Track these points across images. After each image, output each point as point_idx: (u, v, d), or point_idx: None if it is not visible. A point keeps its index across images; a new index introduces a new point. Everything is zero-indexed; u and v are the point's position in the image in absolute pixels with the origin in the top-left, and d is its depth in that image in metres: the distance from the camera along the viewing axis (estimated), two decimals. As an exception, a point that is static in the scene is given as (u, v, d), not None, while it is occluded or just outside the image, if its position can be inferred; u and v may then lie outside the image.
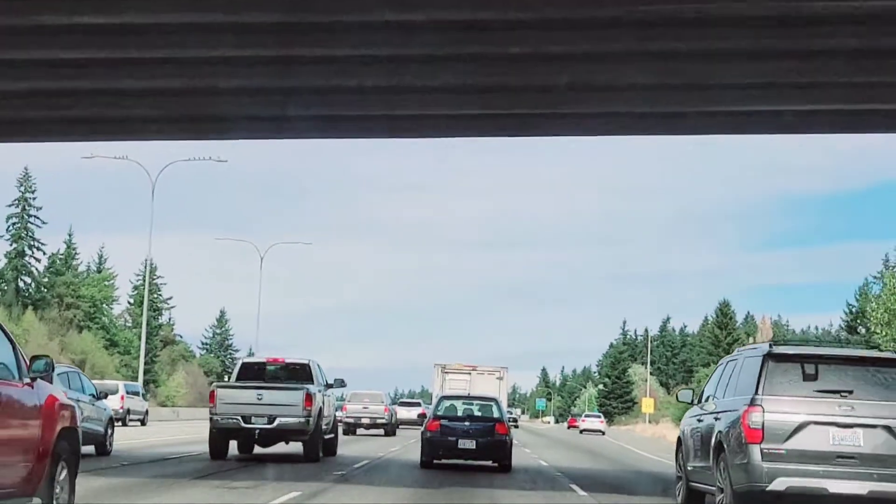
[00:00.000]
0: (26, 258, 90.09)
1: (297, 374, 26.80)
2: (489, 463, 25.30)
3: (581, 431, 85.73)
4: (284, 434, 25.45)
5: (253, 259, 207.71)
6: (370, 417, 47.93)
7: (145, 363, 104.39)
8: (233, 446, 25.74)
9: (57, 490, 10.78)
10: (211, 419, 25.19)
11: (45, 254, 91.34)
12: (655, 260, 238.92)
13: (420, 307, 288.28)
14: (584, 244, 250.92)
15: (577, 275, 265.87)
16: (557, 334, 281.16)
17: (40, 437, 10.50)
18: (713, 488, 14.61)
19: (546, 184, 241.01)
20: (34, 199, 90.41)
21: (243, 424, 24.83)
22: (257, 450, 26.55)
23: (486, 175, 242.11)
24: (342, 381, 30.27)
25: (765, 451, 13.32)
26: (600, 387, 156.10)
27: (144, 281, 79.72)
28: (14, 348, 10.84)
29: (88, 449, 22.10)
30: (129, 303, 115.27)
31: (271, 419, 24.69)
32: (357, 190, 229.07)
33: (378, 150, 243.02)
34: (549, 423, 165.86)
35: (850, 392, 13.43)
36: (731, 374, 14.99)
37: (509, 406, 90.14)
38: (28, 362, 10.89)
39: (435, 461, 25.03)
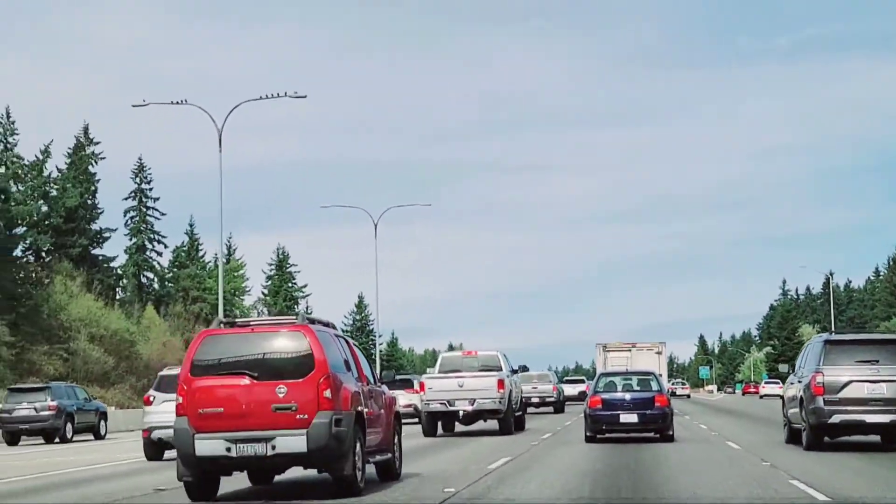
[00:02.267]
0: (147, 252, 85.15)
1: (488, 363, 32.06)
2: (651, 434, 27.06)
3: (761, 397, 78.00)
4: (483, 414, 31.29)
5: (389, 246, 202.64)
6: (540, 396, 50.38)
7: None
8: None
9: (395, 449, 17.73)
10: (422, 404, 31.92)
11: (166, 247, 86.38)
12: (800, 220, 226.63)
13: (564, 284, 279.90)
14: (724, 210, 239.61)
15: (722, 241, 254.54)
16: (711, 301, 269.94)
17: (390, 417, 17.61)
18: (800, 425, 22.89)
19: (684, 152, 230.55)
20: (150, 189, 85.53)
21: (448, 408, 31.00)
22: (458, 427, 32.85)
23: (616, 150, 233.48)
24: (525, 367, 38.15)
25: (826, 399, 21.66)
26: (768, 349, 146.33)
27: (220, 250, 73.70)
28: (369, 363, 17.50)
29: None
30: (262, 293, 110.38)
31: (471, 402, 30.71)
32: (476, 172, 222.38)
33: (494, 132, 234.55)
34: (712, 391, 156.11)
35: (877, 360, 21.79)
36: (808, 354, 23.50)
37: (670, 377, 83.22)
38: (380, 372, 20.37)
39: (598, 436, 26.62)
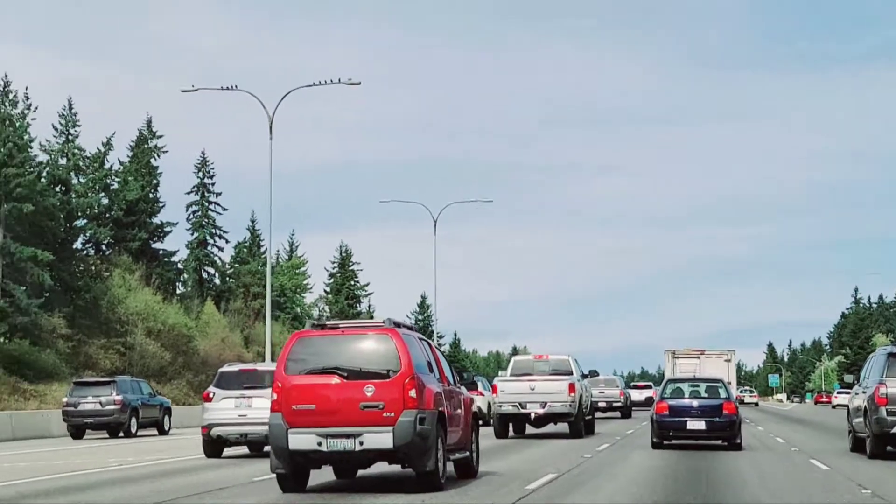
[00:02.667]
0: (209, 247, 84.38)
1: (559, 367, 32.44)
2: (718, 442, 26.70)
3: (833, 407, 75.54)
4: (553, 417, 31.74)
5: (450, 244, 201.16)
6: (606, 401, 50.21)
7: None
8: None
9: (474, 447, 18.33)
10: (494, 406, 32.17)
11: (227, 242, 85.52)
12: (874, 225, 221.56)
13: (630, 288, 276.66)
14: (793, 215, 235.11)
15: (794, 245, 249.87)
16: (781, 308, 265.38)
17: (468, 416, 18.09)
18: (864, 434, 23.82)
19: (747, 155, 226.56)
20: (213, 184, 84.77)
21: (520, 410, 31.47)
22: (529, 429, 33.45)
23: (682, 151, 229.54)
24: (595, 371, 38.95)
25: (888, 409, 22.55)
26: (840, 358, 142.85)
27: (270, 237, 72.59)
28: (450, 367, 18.08)
29: None
30: (324, 291, 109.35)
31: (543, 405, 31.19)
32: (540, 172, 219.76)
33: (558, 131, 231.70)
34: (781, 400, 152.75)
35: None
36: (872, 365, 24.74)
37: (738, 385, 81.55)
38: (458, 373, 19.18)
39: (665, 442, 26.47)
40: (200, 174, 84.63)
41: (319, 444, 15.36)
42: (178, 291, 78.97)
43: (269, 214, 46.06)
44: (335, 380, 15.49)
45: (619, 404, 51.35)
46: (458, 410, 17.50)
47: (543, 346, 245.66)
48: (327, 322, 17.21)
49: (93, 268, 65.74)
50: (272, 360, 43.75)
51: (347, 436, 15.29)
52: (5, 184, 55.30)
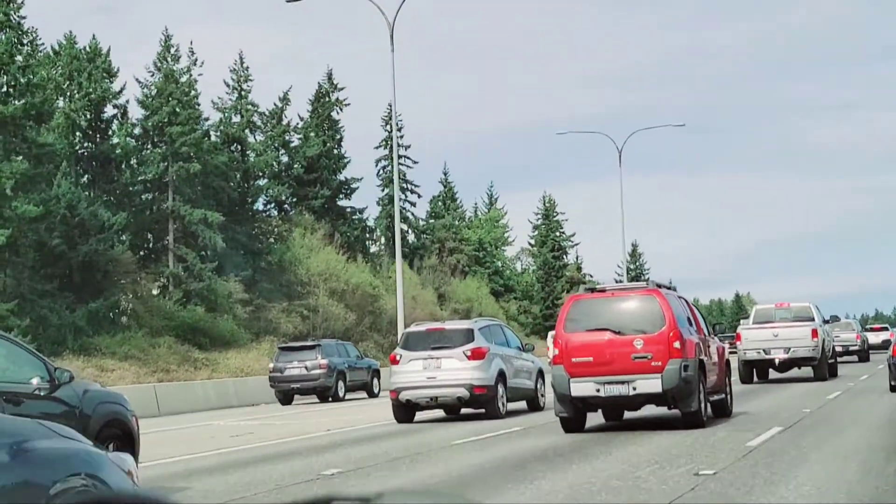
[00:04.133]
0: (401, 203, 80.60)
1: (801, 314, 33.48)
2: None
3: None
4: (797, 361, 32.76)
5: (661, 194, 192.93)
6: (842, 345, 48.54)
7: (546, 307, 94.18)
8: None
9: (727, 390, 20.61)
10: (740, 353, 32.91)
11: (419, 196, 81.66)
12: None
13: (859, 230, 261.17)
14: None
15: None
16: None
17: (722, 363, 19.98)
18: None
19: None
20: (401, 137, 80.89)
21: (764, 356, 32.58)
22: (772, 374, 34.52)
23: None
24: (836, 317, 41.00)
25: None
26: None
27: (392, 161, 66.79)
28: (704, 320, 20.25)
29: (520, 405, 24.53)
30: (529, 244, 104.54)
31: (786, 350, 32.24)
32: (780, 114, 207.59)
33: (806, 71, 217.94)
34: None
35: None
36: None
37: None
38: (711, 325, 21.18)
39: None
40: (388, 127, 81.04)
41: (598, 390, 17.64)
42: (370, 250, 75.76)
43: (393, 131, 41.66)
44: (608, 335, 17.68)
45: (855, 348, 50.54)
46: (714, 358, 19.51)
47: (767, 292, 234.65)
48: (597, 286, 19.72)
49: (274, 228, 62.81)
50: (402, 309, 42.42)
51: (622, 382, 17.54)
52: (171, 143, 52.60)
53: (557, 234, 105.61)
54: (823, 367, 32.85)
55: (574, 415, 18.12)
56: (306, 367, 36.35)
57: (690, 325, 18.65)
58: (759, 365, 33.48)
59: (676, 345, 17.41)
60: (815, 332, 32.45)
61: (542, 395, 24.86)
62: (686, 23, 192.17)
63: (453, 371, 22.58)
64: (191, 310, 51.32)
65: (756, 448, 14.48)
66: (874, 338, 61.95)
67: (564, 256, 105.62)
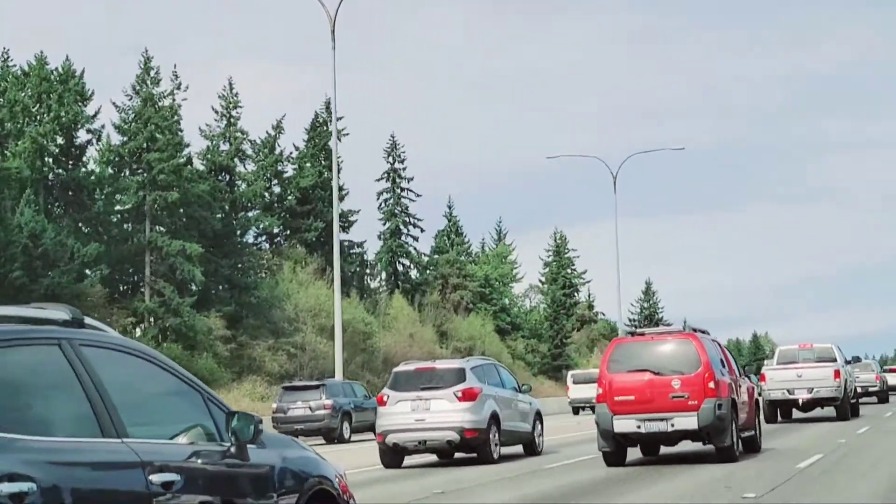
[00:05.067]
0: (402, 237, 77.63)
1: (824, 354, 34.64)
2: None
3: None
4: (821, 401, 33.81)
5: (677, 234, 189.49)
6: (861, 386, 48.28)
7: (555, 346, 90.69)
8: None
9: (756, 428, 21.83)
10: (762, 393, 32.61)
11: (422, 231, 78.54)
12: None
13: (876, 268, 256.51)
14: None
15: None
16: None
17: (752, 402, 21.61)
18: None
19: None
20: (404, 169, 78.04)
21: (788, 396, 33.57)
22: (796, 414, 35.62)
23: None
24: (858, 357, 43.14)
25: None
26: None
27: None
28: (735, 361, 21.95)
29: (516, 449, 23.75)
30: (540, 281, 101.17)
31: (810, 390, 33.15)
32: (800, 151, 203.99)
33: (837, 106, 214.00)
34: None
35: None
36: None
37: None
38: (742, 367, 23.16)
39: None
40: (390, 159, 78.20)
41: (639, 426, 18.88)
42: (368, 286, 72.63)
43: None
44: (648, 376, 19.02)
45: (875, 388, 50.09)
46: (745, 397, 20.77)
47: (786, 332, 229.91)
48: (636, 330, 21.07)
49: (264, 262, 59.79)
50: (342, 350, 40.30)
51: (661, 419, 18.80)
52: (149, 170, 49.68)
53: (569, 270, 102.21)
54: (846, 406, 33.65)
55: (616, 449, 19.52)
56: (310, 408, 35.28)
57: (723, 366, 20.10)
58: (783, 405, 34.17)
59: (711, 385, 18.88)
60: (837, 373, 33.25)
61: (540, 437, 24.20)
62: (713, 56, 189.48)
63: (443, 413, 21.64)
64: (167, 347, 48.18)
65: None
66: (893, 379, 60.77)
67: (576, 294, 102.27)
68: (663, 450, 21.08)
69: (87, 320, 5.94)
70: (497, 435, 22.04)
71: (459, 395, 21.61)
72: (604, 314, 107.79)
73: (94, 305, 45.60)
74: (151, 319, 49.65)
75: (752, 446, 21.03)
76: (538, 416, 24.31)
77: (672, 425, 18.78)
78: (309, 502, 6.68)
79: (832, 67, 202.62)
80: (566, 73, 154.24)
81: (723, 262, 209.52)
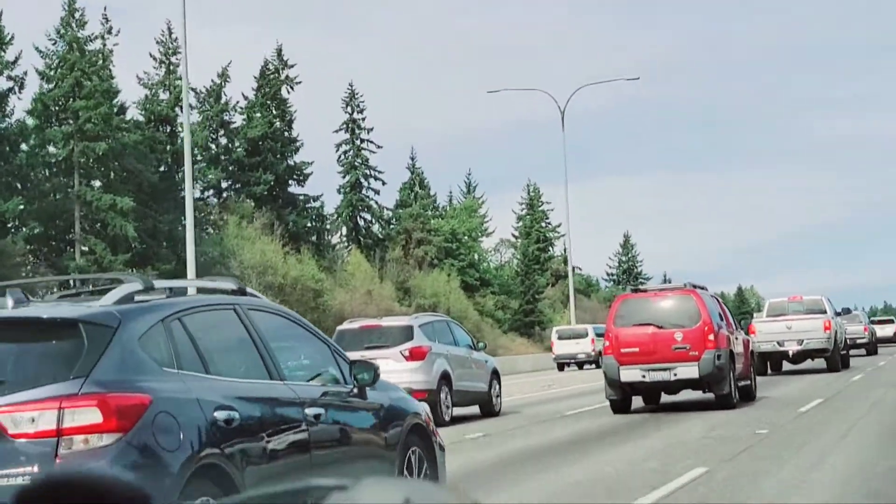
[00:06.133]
0: (363, 191, 74.36)
1: (813, 307, 34.73)
2: None
3: None
4: (811, 353, 33.83)
5: (659, 190, 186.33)
6: (850, 338, 49.23)
7: (527, 302, 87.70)
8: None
9: (752, 378, 23.18)
10: (754, 345, 30.81)
11: (384, 184, 75.28)
12: None
13: (864, 223, 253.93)
14: None
15: None
16: None
17: (747, 353, 22.99)
18: None
19: None
20: (363, 119, 74.65)
21: (778, 348, 33.45)
22: (786, 366, 35.46)
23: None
24: (848, 309, 43.59)
25: None
26: None
27: None
28: (732, 315, 23.89)
29: (472, 410, 23.04)
30: (513, 236, 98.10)
31: (799, 342, 33.09)
32: (784, 108, 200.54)
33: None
34: None
35: None
36: None
37: None
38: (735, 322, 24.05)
39: None
40: (349, 109, 74.76)
41: (643, 376, 20.69)
42: (328, 241, 69.45)
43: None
44: (651, 329, 20.77)
45: (863, 340, 49.43)
46: (741, 349, 22.37)
47: (773, 286, 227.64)
48: (639, 287, 24.71)
49: (210, 217, 56.55)
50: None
51: (664, 369, 20.59)
52: (75, 119, 46.33)
53: (543, 224, 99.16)
54: (836, 358, 33.75)
55: (622, 397, 21.14)
56: None
57: (721, 320, 21.50)
58: (773, 357, 34.15)
59: (711, 337, 20.39)
60: (827, 325, 33.24)
61: (498, 398, 23.36)
62: (696, 15, 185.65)
63: (388, 374, 20.04)
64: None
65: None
66: (881, 330, 60.63)
67: (550, 248, 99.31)
68: (663, 398, 22.53)
69: (248, 289, 7.73)
70: (449, 396, 21.23)
71: (406, 354, 20.98)
72: (580, 268, 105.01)
73: (14, 265, 42.43)
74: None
75: (748, 395, 22.47)
76: (495, 374, 23.45)
77: (675, 374, 20.47)
78: (408, 432, 8.50)
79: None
80: (543, 30, 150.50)
81: (702, 221, 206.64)
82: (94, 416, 5.82)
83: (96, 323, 6.23)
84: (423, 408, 8.98)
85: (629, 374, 20.56)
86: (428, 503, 1.54)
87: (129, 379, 6.11)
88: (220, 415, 6.33)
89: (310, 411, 7.25)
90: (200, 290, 7.49)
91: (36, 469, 5.68)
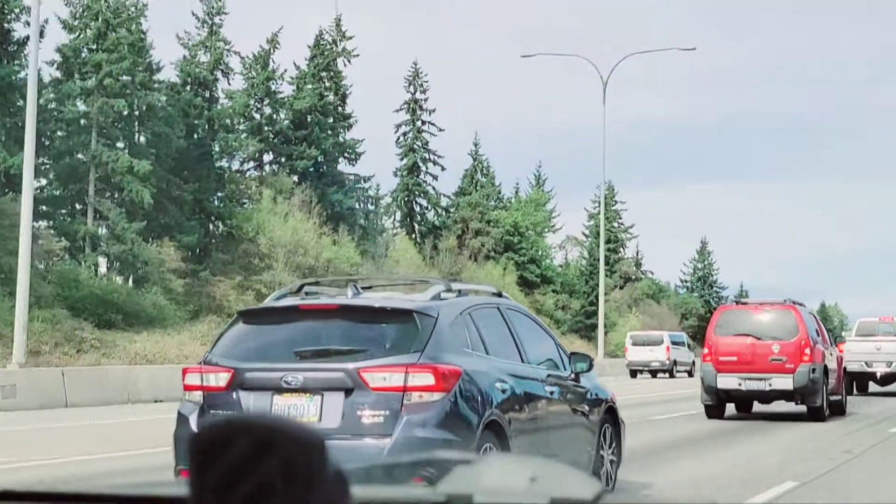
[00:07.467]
0: (421, 175, 70.27)
1: None
2: None
3: None
4: None
5: (734, 192, 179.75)
6: None
7: (590, 303, 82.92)
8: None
9: (843, 392, 24.45)
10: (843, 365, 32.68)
11: (443, 169, 71.09)
12: None
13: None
14: None
15: None
16: None
17: (840, 369, 24.09)
18: None
19: None
20: (426, 100, 70.53)
21: (866, 368, 33.03)
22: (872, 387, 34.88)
23: None
24: None
25: None
26: None
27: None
28: (828, 333, 24.73)
29: None
30: (584, 234, 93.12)
31: (888, 364, 32.59)
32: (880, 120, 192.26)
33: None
34: None
35: None
36: None
37: None
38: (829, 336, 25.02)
39: None
40: (411, 88, 70.73)
41: (740, 384, 21.61)
42: (381, 225, 65.49)
43: None
44: (749, 340, 21.68)
45: None
46: (834, 365, 23.05)
47: (859, 305, 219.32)
48: (741, 299, 25.47)
49: (247, 190, 52.88)
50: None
51: (760, 379, 21.47)
52: (95, 72, 42.82)
53: (615, 224, 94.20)
54: None
55: (717, 403, 22.08)
56: None
57: (818, 335, 22.39)
58: (860, 377, 33.74)
59: (807, 351, 21.46)
60: None
61: None
62: (785, 22, 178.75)
63: None
64: (108, 281, 41.63)
65: None
66: None
67: (622, 249, 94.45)
68: (755, 407, 23.36)
69: (503, 293, 10.56)
70: None
71: None
72: (652, 273, 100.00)
73: (14, 225, 38.95)
74: (90, 246, 42.95)
75: (839, 409, 23.13)
76: None
77: (770, 385, 21.46)
78: (604, 413, 10.95)
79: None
80: (618, 13, 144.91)
81: (784, 232, 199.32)
82: (428, 379, 8.17)
83: (425, 313, 8.63)
84: (612, 393, 11.44)
85: (726, 382, 21.69)
86: (555, 482, 1.67)
87: (448, 354, 8.49)
88: (499, 385, 8.88)
89: (549, 388, 9.92)
90: (464, 292, 9.63)
91: (387, 413, 8.06)
